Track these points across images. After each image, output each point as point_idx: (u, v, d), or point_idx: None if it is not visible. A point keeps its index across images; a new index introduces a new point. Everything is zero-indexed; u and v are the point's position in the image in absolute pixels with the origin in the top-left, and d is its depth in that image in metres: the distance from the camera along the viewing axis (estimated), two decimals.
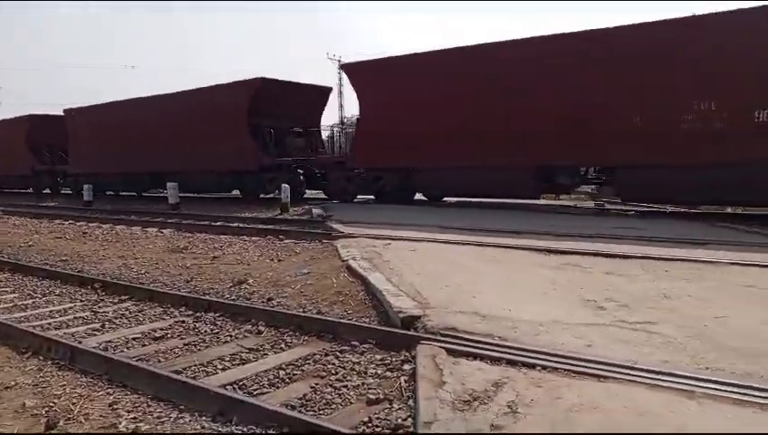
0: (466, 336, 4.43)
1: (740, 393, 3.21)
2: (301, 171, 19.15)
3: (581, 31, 12.64)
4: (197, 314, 5.89)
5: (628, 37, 12.05)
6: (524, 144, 13.36)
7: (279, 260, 8.60)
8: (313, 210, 14.74)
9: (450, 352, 4.13)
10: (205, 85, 20.09)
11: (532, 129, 13.21)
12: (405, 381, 3.90)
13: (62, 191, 27.58)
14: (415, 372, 3.91)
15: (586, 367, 3.67)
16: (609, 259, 7.19)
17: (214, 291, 6.95)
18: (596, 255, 7.44)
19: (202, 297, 6.43)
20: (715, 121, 11.15)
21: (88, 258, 9.60)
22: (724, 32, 11.11)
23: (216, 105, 19.26)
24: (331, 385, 3.94)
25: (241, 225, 12.89)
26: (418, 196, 17.71)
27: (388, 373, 4.11)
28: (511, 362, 3.85)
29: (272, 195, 18.45)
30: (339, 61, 46.51)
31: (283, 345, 4.88)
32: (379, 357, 4.43)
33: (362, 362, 4.34)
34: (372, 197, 17.55)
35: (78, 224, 14.70)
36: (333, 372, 4.19)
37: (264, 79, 18.30)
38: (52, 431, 3.33)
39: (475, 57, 14.37)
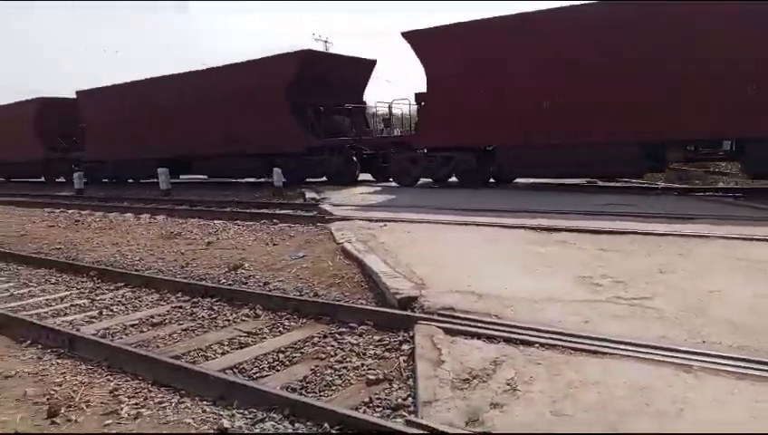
0: (463, 315, 4.46)
1: (737, 367, 3.26)
2: (353, 153, 17.67)
3: None
4: (194, 300, 5.89)
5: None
6: (631, 117, 11.87)
7: (274, 244, 8.59)
8: (306, 194, 14.70)
9: (448, 331, 4.16)
10: (239, 61, 18.59)
11: (642, 100, 11.79)
12: (404, 362, 3.93)
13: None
14: (413, 352, 3.94)
15: (584, 344, 3.71)
16: (603, 236, 7.23)
17: (210, 276, 6.94)
18: (590, 232, 7.47)
19: (198, 283, 6.43)
20: None
21: (82, 246, 9.55)
22: None
23: (254, 82, 17.73)
24: (330, 367, 3.96)
25: (234, 209, 12.84)
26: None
27: (387, 354, 4.14)
28: (508, 341, 3.89)
29: (321, 178, 17.61)
30: (325, 42, 45.79)
31: (281, 329, 4.89)
32: (377, 338, 4.45)
33: (361, 344, 4.37)
34: (430, 180, 15.76)
35: (70, 212, 14.59)
36: (333, 353, 4.21)
37: (310, 51, 16.95)
38: (55, 419, 3.33)
39: (578, 18, 12.50)
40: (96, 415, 3.39)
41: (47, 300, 6.31)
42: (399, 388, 3.54)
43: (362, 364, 3.98)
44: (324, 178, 17.89)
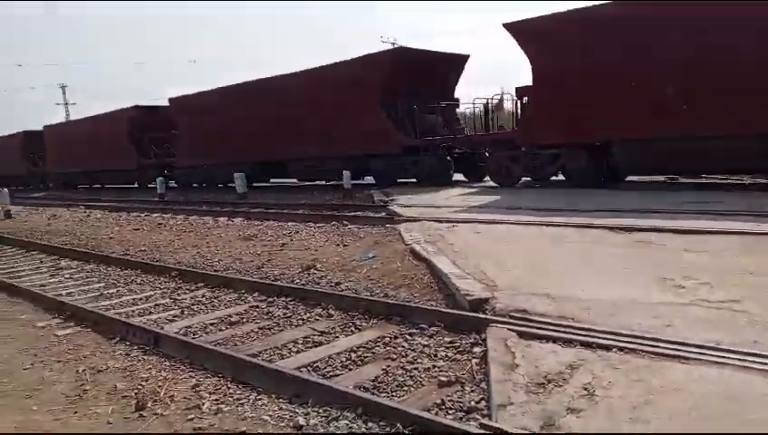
0: (537, 318, 4.36)
1: None
2: (447, 152, 16.87)
3: None
4: (270, 299, 6.07)
5: None
6: None
7: (344, 245, 8.72)
8: (374, 196, 14.82)
9: (521, 334, 4.08)
10: (328, 62, 18.34)
11: None
12: (476, 364, 3.89)
13: (169, 185, 25.15)
14: (486, 354, 3.89)
15: (666, 348, 3.54)
16: (686, 235, 6.86)
17: (284, 276, 7.14)
18: (673, 231, 7.11)
19: (273, 283, 6.63)
20: None
21: (164, 248, 10.06)
22: None
23: (346, 82, 17.38)
24: (402, 367, 3.98)
25: (307, 212, 13.14)
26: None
27: (459, 356, 4.11)
28: (585, 344, 3.76)
29: (413, 179, 17.01)
30: (393, 43, 45.93)
31: (353, 328, 4.96)
32: (448, 340, 4.43)
33: (432, 345, 4.36)
34: (529, 178, 14.81)
35: (153, 216, 15.40)
36: (404, 354, 4.23)
37: (402, 48, 16.58)
38: (142, 412, 3.53)
39: None
40: (180, 410, 3.56)
41: (133, 299, 6.69)
42: (472, 391, 3.50)
43: (433, 366, 3.97)
44: (414, 180, 17.26)
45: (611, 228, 7.58)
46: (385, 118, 16.62)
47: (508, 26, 13.87)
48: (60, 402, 3.85)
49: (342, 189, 16.41)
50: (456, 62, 18.11)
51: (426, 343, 4.42)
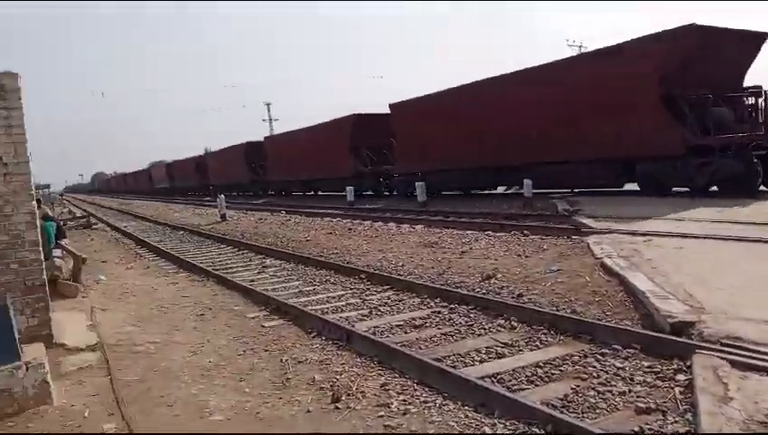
0: (755, 347, 3.85)
1: None
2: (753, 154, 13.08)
3: None
4: (451, 306, 6.15)
5: None
6: None
7: (526, 256, 8.51)
8: (558, 205, 14.22)
9: (735, 364, 3.63)
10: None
11: None
12: (680, 393, 3.55)
13: (385, 193, 25.36)
14: (692, 383, 3.54)
15: None
16: None
17: (465, 284, 7.18)
18: None
19: (455, 290, 6.70)
20: None
21: (354, 251, 10.72)
22: None
23: (610, 71, 14.45)
24: (593, 389, 3.77)
25: (486, 220, 13.07)
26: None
27: (659, 383, 3.78)
28: None
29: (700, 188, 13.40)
30: (580, 47, 43.75)
31: (537, 343, 4.82)
32: (646, 364, 4.10)
33: (627, 368, 4.07)
34: None
35: (344, 221, 16.50)
36: (595, 375, 4.00)
37: (696, 26, 12.71)
38: (338, 404, 3.79)
39: None
40: (371, 405, 3.76)
41: (327, 297, 7.22)
42: (675, 421, 3.20)
43: (629, 390, 3.70)
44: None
45: None
46: (665, 113, 13.56)
47: None
48: (267, 387, 4.30)
49: (522, 198, 16.01)
50: (751, 42, 14.44)
51: (620, 365, 4.13)
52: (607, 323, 4.96)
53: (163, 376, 4.62)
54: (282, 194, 34.82)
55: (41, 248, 5.35)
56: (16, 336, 4.00)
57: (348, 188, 23.06)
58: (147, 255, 12.97)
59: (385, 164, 24.32)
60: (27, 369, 3.90)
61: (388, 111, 23.99)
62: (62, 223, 11.87)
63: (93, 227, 21.10)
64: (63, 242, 9.65)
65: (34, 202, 5.35)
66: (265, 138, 37.22)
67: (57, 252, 8.73)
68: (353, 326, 5.54)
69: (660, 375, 3.87)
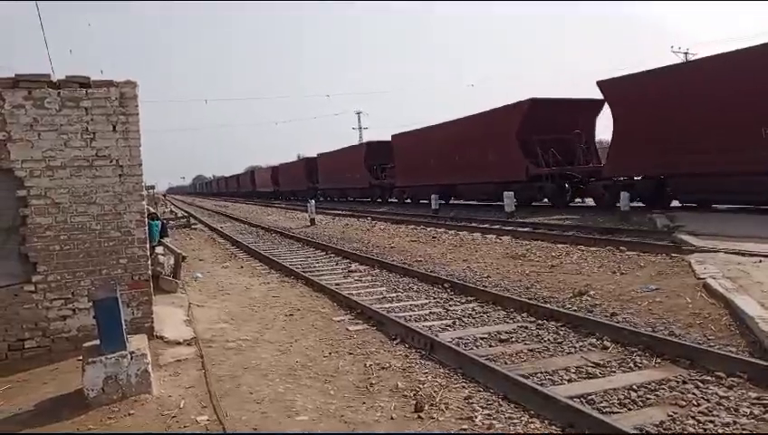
0: None
1: None
2: None
3: None
4: (539, 322, 5.97)
5: None
6: None
7: (621, 273, 8.11)
8: (657, 220, 13.44)
9: None
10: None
11: None
12: None
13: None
14: None
15: None
16: None
17: (554, 300, 6.95)
18: None
19: (543, 305, 6.50)
20: None
21: (438, 260, 10.68)
22: None
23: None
24: (692, 417, 3.54)
25: (577, 234, 12.60)
26: None
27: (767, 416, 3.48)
28: None
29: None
30: (686, 54, 41.31)
31: (631, 365, 4.58)
32: (753, 395, 3.79)
33: (732, 398, 3.77)
34: None
35: (428, 229, 16.47)
36: (695, 403, 3.75)
37: None
38: (420, 414, 3.78)
39: None
40: (454, 418, 3.72)
41: (411, 305, 7.23)
42: None
43: (734, 422, 3.44)
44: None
45: None
46: None
47: None
48: (351, 391, 4.36)
49: (619, 211, 15.28)
50: None
51: (723, 394, 3.84)
52: (709, 348, 4.62)
53: (253, 373, 4.80)
54: (406, 201, 29.92)
55: (148, 245, 5.74)
56: (123, 327, 4.30)
57: (433, 196, 22.91)
58: (241, 255, 13.57)
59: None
60: (132, 358, 4.18)
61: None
62: (165, 222, 12.66)
63: (193, 226, 22.38)
64: (166, 240, 10.31)
65: (144, 202, 5.75)
66: (393, 136, 30.99)
67: (160, 249, 9.34)
68: (437, 336, 5.50)
69: None
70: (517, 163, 19.59)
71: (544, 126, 19.11)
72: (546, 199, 20.01)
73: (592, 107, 19.72)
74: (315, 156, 43.73)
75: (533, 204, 20.17)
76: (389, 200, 32.08)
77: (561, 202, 19.56)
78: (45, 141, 5.25)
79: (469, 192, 24.40)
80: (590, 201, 19.71)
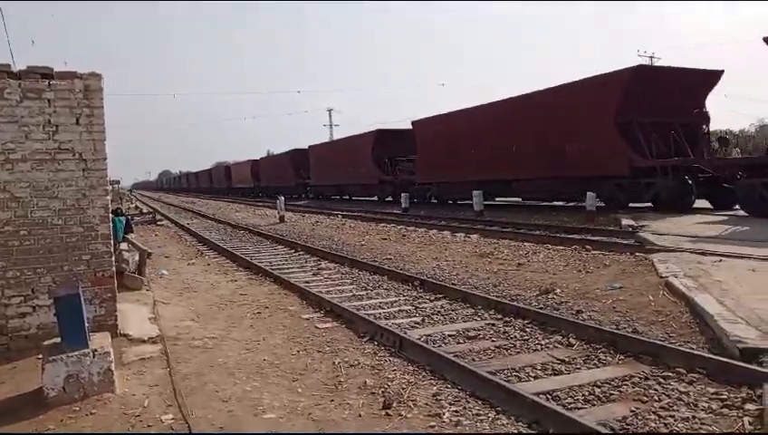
0: None
1: None
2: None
3: None
4: (506, 319, 6.04)
5: None
6: None
7: (587, 272, 8.27)
8: (622, 220, 13.74)
9: None
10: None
11: None
12: (749, 423, 3.37)
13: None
14: (762, 414, 3.35)
15: None
16: None
17: (521, 297, 7.05)
18: None
19: (510, 303, 6.58)
20: None
21: (407, 258, 10.71)
22: None
23: None
24: (654, 412, 3.62)
25: (544, 233, 12.80)
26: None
27: (725, 410, 3.59)
28: None
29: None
30: (651, 57, 42.33)
31: (596, 361, 4.67)
32: (711, 390, 3.90)
33: (691, 393, 3.88)
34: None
35: (398, 227, 16.51)
36: (656, 398, 3.84)
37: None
38: (389, 411, 3.78)
39: None
40: (422, 415, 3.73)
41: (380, 303, 7.24)
42: None
43: (693, 416, 3.53)
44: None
45: None
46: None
47: None
48: (319, 388, 4.34)
49: (584, 212, 15.56)
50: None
51: (684, 389, 3.94)
52: (670, 345, 4.74)
53: (219, 371, 4.74)
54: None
55: (112, 241, 5.61)
56: (86, 324, 4.20)
57: (403, 195, 23.06)
58: (208, 252, 13.38)
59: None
60: (94, 356, 4.08)
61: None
62: (130, 218, 12.39)
63: (159, 223, 21.97)
64: (131, 236, 10.09)
65: (109, 197, 5.62)
66: (414, 122, 26.39)
67: (124, 245, 9.14)
68: (405, 333, 5.52)
69: (727, 403, 3.67)
70: (617, 153, 15.60)
71: (649, 104, 15.36)
72: (655, 201, 15.72)
73: (707, 80, 16.18)
74: (305, 148, 39.62)
75: (631, 205, 16.26)
76: (411, 202, 23.53)
77: (684, 204, 14.84)
78: (5, 133, 5.07)
79: (532, 189, 19.89)
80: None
